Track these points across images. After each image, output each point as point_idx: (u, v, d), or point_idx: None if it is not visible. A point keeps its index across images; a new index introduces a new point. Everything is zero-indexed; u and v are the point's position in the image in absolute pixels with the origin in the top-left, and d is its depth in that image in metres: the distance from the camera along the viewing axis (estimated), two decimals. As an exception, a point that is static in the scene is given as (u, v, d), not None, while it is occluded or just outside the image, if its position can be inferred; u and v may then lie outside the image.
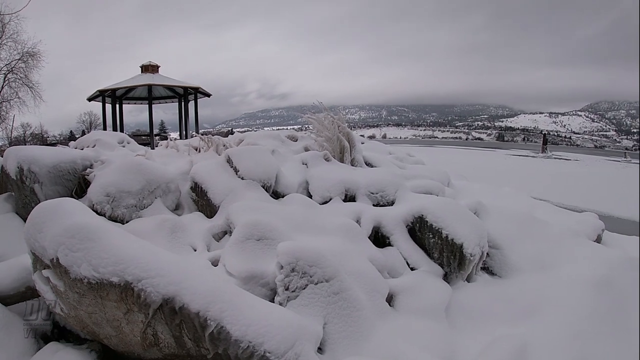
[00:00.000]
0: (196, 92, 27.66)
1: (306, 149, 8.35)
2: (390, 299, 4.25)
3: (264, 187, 6.04)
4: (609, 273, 5.22)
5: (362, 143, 10.96)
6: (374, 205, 5.94)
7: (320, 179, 6.33)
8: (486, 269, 5.35)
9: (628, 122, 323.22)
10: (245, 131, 13.33)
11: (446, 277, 4.89)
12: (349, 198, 6.12)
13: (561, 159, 50.35)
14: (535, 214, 7.33)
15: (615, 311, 4.70)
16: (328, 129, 7.73)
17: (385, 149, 10.98)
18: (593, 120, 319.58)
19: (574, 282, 4.95)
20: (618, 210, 15.54)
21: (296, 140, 9.42)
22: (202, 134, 11.85)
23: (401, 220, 5.20)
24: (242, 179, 6.04)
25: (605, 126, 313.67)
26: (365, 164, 8.03)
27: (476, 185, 10.27)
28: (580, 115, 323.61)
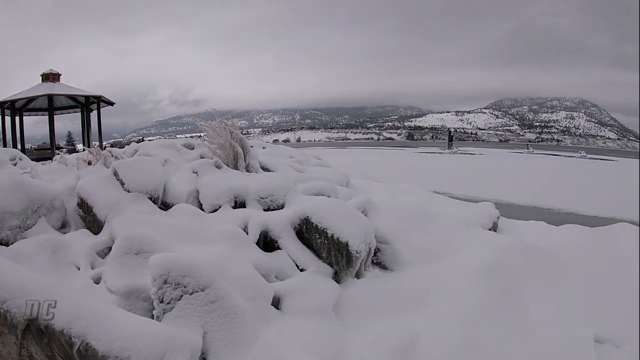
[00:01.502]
0: (99, 101, 26.51)
1: (202, 157, 8.19)
2: (277, 302, 4.21)
3: (151, 199, 5.85)
4: (499, 258, 5.46)
5: (263, 148, 10.94)
6: (264, 210, 5.89)
7: (209, 187, 6.21)
8: (379, 264, 5.46)
9: (530, 117, 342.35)
10: (156, 139, 12.94)
11: (336, 276, 4.92)
12: (239, 204, 6.04)
13: (467, 153, 52.60)
14: (431, 207, 7.57)
15: (505, 294, 4.90)
16: (221, 135, 7.62)
17: (287, 152, 10.98)
18: (497, 117, 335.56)
19: (463, 270, 5.13)
20: (516, 197, 16.36)
21: (192, 149, 9.23)
22: (111, 145, 11.39)
23: (288, 223, 5.19)
24: (129, 191, 5.83)
25: (509, 121, 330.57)
26: (263, 169, 7.99)
27: (376, 184, 10.49)
28: (485, 113, 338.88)
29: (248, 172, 7.45)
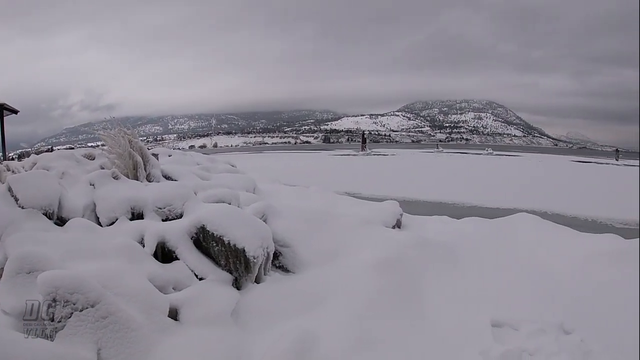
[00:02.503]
0: (1, 109, 24.98)
1: (102, 168, 8.00)
2: (175, 313, 4.22)
3: (46, 215, 5.62)
4: (395, 253, 5.74)
5: (169, 156, 10.80)
6: (163, 220, 5.83)
7: (106, 200, 6.05)
8: (281, 267, 5.61)
9: (440, 118, 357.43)
10: (57, 150, 12.44)
11: (236, 282, 4.97)
12: (137, 216, 5.93)
13: (380, 154, 53.77)
14: (336, 208, 7.79)
15: (401, 287, 5.14)
16: (120, 145, 7.47)
17: (194, 160, 10.91)
18: (410, 119, 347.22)
19: (360, 267, 5.34)
20: (423, 194, 16.99)
21: (93, 159, 9.00)
22: (18, 156, 10.85)
23: (185, 233, 5.17)
24: (23, 208, 5.60)
25: (421, 123, 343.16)
26: (166, 177, 7.90)
27: (285, 188, 10.63)
28: (398, 115, 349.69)
29: (149, 181, 7.34)
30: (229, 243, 4.93)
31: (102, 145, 8.79)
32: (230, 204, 6.38)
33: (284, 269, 5.60)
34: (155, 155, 8.80)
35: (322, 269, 5.45)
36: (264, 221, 5.79)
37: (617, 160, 68.18)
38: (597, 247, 6.68)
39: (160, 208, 5.92)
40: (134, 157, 7.37)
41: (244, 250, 4.89)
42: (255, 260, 4.92)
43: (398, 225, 8.05)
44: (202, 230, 5.11)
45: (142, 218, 5.89)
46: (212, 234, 5.02)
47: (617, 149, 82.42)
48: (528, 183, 23.81)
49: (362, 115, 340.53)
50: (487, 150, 70.00)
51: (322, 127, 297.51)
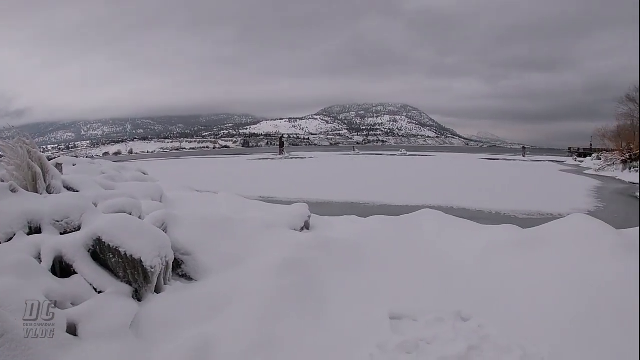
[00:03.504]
0: None
1: (2, 180, 7.64)
2: (74, 329, 4.13)
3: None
4: (296, 255, 5.85)
5: (73, 165, 10.47)
6: (61, 233, 5.65)
7: (2, 214, 5.80)
8: (184, 276, 5.56)
9: (358, 121, 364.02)
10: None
11: (137, 293, 4.90)
12: (35, 230, 5.72)
13: (298, 158, 54.20)
14: (242, 213, 7.83)
15: (301, 287, 5.26)
16: (19, 155, 7.15)
17: (99, 169, 10.63)
18: (328, 122, 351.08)
19: (260, 270, 5.43)
20: (337, 196, 17.32)
21: (-6, 171, 8.56)
22: None
23: (82, 246, 5.02)
24: None
25: (339, 126, 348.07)
26: (67, 188, 7.65)
27: (194, 195, 10.55)
28: (317, 119, 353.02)
29: (49, 193, 7.09)
30: (125, 254, 4.85)
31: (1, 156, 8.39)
32: (131, 214, 6.26)
33: (186, 277, 5.56)
34: (59, 166, 8.52)
35: (225, 274, 5.48)
36: (164, 230, 5.75)
37: (523, 156, 72.46)
38: (496, 237, 7.07)
39: (57, 221, 5.69)
40: (33, 169, 7.07)
41: (141, 261, 4.82)
42: (153, 270, 4.87)
43: (306, 226, 8.20)
44: (99, 242, 4.99)
45: (40, 232, 5.68)
46: (109, 245, 4.92)
47: (523, 146, 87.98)
48: (438, 181, 24.82)
49: (281, 119, 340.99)
50: (401, 152, 72.33)
51: (241, 132, 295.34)
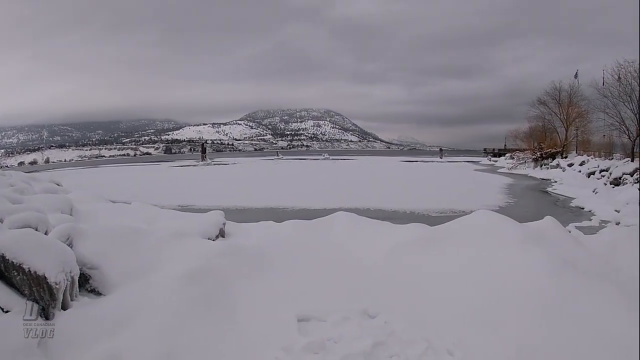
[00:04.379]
0: None
1: None
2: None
3: None
4: (205, 264, 5.88)
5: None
6: (-36, 252, 5.47)
7: None
8: (93, 291, 5.44)
9: (282, 127, 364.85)
10: None
11: (45, 311, 4.80)
12: None
13: (221, 164, 53.77)
14: (155, 223, 7.78)
15: (209, 296, 5.28)
16: None
17: (7, 181, 10.23)
18: (252, 127, 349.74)
19: (169, 281, 5.39)
20: (255, 202, 17.34)
21: None
22: None
23: (-15, 264, 4.91)
24: None
25: (263, 131, 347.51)
26: (-30, 205, 7.35)
27: (106, 206, 10.33)
28: (241, 124, 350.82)
29: (-51, 210, 6.80)
30: (29, 271, 4.73)
31: None
32: (37, 228, 6.10)
33: (95, 291, 5.42)
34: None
35: (133, 287, 5.38)
36: (69, 244, 5.64)
37: (441, 157, 75.30)
38: (405, 236, 7.35)
39: (-46, 240, 5.52)
40: None
41: (45, 277, 4.72)
42: (57, 287, 4.77)
43: (222, 234, 8.22)
44: (3, 259, 4.86)
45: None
46: (12, 262, 4.78)
47: (440, 148, 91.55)
48: (357, 183, 25.38)
49: (205, 124, 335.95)
50: (324, 156, 73.34)
51: (163, 137, 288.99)
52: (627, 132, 30.29)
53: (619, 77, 29.49)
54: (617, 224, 13.54)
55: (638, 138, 29.01)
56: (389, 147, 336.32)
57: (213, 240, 7.64)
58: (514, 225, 7.20)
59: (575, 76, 44.86)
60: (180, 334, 4.55)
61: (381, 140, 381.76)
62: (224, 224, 8.55)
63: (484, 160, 66.19)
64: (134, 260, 5.93)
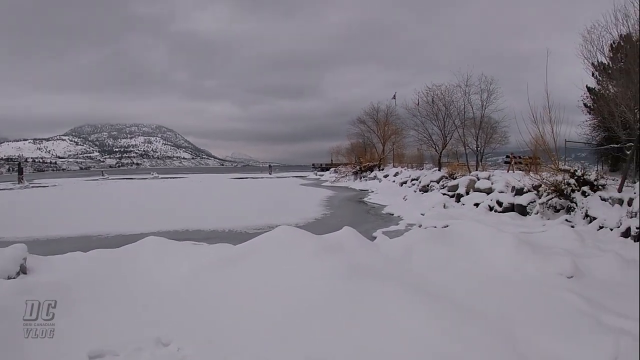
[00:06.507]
0: None
1: None
2: None
3: None
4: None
5: None
6: None
7: None
8: None
9: (110, 143, 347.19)
10: None
11: None
12: None
13: (40, 186, 49.60)
14: None
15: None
16: None
17: None
18: (77, 144, 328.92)
19: None
20: (73, 229, 16.15)
21: None
22: None
23: None
24: None
25: (90, 148, 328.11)
26: None
27: None
28: (65, 140, 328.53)
29: None
30: None
31: None
32: None
33: None
34: None
35: None
36: None
37: (270, 174, 77.04)
38: (208, 257, 7.57)
39: None
40: None
41: None
42: None
43: (23, 270, 7.58)
44: None
45: None
46: None
47: (270, 165, 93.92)
48: (179, 203, 25.06)
49: (25, 139, 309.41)
50: (152, 174, 71.33)
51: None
52: (434, 145, 34.45)
53: (433, 100, 33.31)
54: (420, 226, 14.80)
55: (443, 150, 33.70)
56: (222, 164, 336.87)
57: (14, 277, 7.07)
58: (311, 237, 7.75)
59: (393, 97, 48.61)
60: None
61: (215, 157, 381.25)
62: (25, 258, 7.88)
63: (311, 175, 69.25)
64: None
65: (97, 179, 59.45)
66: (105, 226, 16.17)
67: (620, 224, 11.56)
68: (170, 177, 66.01)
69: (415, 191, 27.18)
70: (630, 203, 11.75)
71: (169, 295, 6.42)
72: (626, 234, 11.09)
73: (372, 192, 32.98)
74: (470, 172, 25.40)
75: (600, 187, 14.28)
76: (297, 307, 5.72)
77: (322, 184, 46.60)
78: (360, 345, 4.92)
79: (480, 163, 30.58)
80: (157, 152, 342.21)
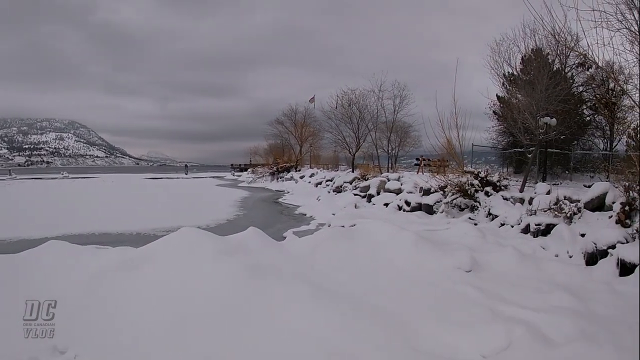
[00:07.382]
0: None
1: None
2: None
3: None
4: None
5: None
6: None
7: None
8: None
9: (20, 139, 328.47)
10: None
11: None
12: None
13: None
14: None
15: None
16: None
17: None
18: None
19: None
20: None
21: None
22: None
23: None
24: None
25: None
26: None
27: None
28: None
29: None
30: None
31: None
32: None
33: None
34: None
35: None
36: None
37: (186, 174, 75.76)
38: (108, 261, 7.44)
39: None
40: None
41: None
42: None
43: None
44: None
45: None
46: None
47: (186, 165, 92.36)
48: (88, 205, 24.07)
49: None
50: (62, 174, 68.39)
51: None
52: (348, 148, 34.96)
53: (350, 103, 33.84)
54: (329, 225, 14.99)
55: (358, 152, 34.43)
56: (138, 164, 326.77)
57: None
58: (213, 239, 7.79)
59: (311, 100, 48.78)
60: None
61: (130, 156, 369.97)
62: None
63: (229, 176, 68.35)
64: None
65: (3, 179, 55.89)
66: (6, 231, 15.11)
67: (521, 221, 12.41)
68: (82, 177, 63.47)
69: (329, 192, 27.62)
70: (530, 202, 12.75)
71: (67, 301, 6.15)
72: (526, 230, 11.95)
73: (288, 192, 33.23)
74: (382, 173, 26.25)
75: (502, 187, 15.35)
76: (193, 311, 5.81)
77: (239, 185, 46.29)
78: (251, 346, 4.99)
79: (394, 165, 31.85)
80: (69, 150, 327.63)
